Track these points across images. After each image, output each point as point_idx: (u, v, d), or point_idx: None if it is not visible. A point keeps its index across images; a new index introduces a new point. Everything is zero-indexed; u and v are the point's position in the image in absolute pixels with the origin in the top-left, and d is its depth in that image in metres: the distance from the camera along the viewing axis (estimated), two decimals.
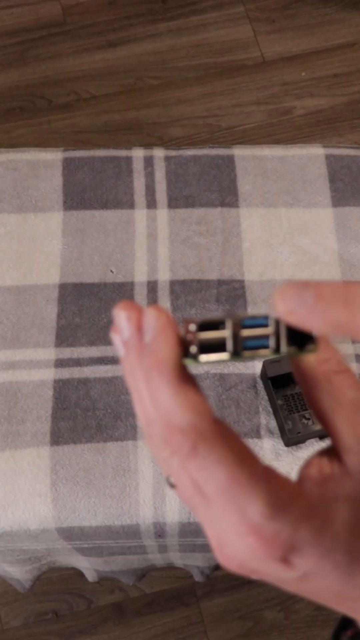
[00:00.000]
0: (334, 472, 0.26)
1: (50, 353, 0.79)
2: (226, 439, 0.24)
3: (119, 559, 0.86)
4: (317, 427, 0.73)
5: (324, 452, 0.27)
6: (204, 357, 0.25)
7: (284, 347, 0.25)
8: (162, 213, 0.88)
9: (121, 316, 0.26)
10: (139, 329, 0.26)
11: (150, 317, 0.25)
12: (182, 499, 0.26)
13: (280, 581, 0.26)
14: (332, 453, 0.27)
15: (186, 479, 0.25)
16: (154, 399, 0.25)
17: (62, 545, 0.78)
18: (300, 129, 1.58)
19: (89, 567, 0.91)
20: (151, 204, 0.88)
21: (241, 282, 0.84)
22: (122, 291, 0.83)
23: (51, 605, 1.22)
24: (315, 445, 0.74)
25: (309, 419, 0.73)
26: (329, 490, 0.25)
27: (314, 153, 0.92)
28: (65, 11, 1.72)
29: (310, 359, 0.27)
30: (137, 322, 0.26)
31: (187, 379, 0.25)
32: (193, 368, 0.27)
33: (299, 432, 0.73)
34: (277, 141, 1.56)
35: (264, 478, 0.24)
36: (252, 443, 0.75)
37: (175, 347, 0.25)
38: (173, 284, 0.84)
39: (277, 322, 0.25)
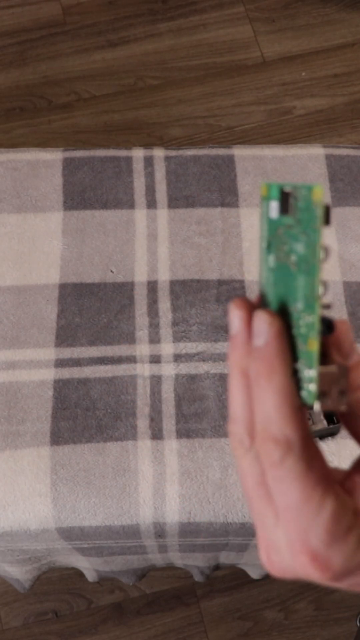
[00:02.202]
0: None
1: (50, 353, 0.79)
2: (312, 459, 0.26)
3: (119, 559, 0.86)
4: (318, 427, 0.73)
5: None
6: (323, 409, 0.27)
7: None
8: (162, 213, 0.88)
9: (233, 313, 0.27)
10: (248, 328, 0.27)
11: (263, 322, 0.26)
12: (243, 488, 0.27)
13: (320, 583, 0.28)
14: None
15: (255, 473, 0.27)
16: (256, 403, 0.26)
17: (62, 545, 0.78)
18: (300, 129, 1.58)
19: (89, 567, 0.91)
20: (151, 204, 0.88)
21: (241, 282, 0.84)
22: (122, 291, 0.83)
23: (51, 605, 1.22)
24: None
25: (309, 419, 0.73)
26: None
27: (314, 153, 0.92)
28: (65, 11, 1.72)
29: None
30: (247, 321, 0.27)
31: (291, 391, 0.26)
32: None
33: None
34: (277, 141, 1.56)
35: (333, 502, 0.26)
36: None
37: (287, 357, 0.26)
38: (173, 284, 0.84)
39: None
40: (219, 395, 0.78)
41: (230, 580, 1.22)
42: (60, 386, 0.78)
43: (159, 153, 0.92)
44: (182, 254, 0.85)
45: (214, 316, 0.82)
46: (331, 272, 0.85)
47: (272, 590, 1.22)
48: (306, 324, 0.26)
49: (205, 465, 0.74)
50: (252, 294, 0.83)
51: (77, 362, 0.79)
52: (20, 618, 1.21)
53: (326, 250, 0.25)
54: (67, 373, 0.78)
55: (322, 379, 0.26)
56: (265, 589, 1.22)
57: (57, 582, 1.23)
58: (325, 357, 0.27)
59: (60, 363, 0.79)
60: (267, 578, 1.21)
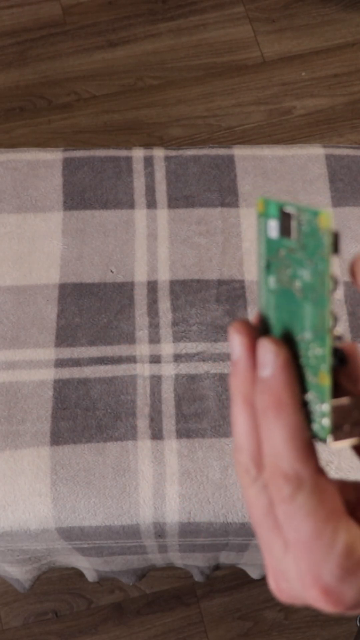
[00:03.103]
0: None
1: (50, 353, 0.79)
2: (323, 493, 0.25)
3: (119, 559, 0.86)
4: None
5: None
6: (336, 444, 0.26)
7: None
8: (162, 213, 0.88)
9: (234, 338, 0.26)
10: (250, 354, 0.26)
11: (268, 352, 0.25)
12: (250, 515, 0.27)
13: None
14: None
15: (264, 503, 0.26)
16: (265, 436, 0.26)
17: (62, 545, 0.78)
18: (300, 129, 1.58)
19: (89, 567, 0.91)
20: (151, 204, 0.88)
21: (241, 282, 0.84)
22: (122, 291, 0.83)
23: (51, 605, 1.22)
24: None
25: None
26: None
27: (314, 153, 0.92)
28: (65, 11, 1.72)
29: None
30: (248, 347, 0.26)
31: (301, 425, 0.25)
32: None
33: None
34: (277, 141, 1.56)
35: (345, 536, 0.25)
36: None
37: (295, 389, 0.25)
38: (173, 284, 0.84)
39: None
40: (219, 395, 0.78)
41: (230, 580, 1.22)
42: (60, 386, 0.78)
43: (159, 153, 0.92)
44: (182, 254, 0.85)
45: (214, 316, 0.82)
46: None
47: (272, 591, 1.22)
48: (316, 356, 0.25)
49: (205, 465, 0.74)
50: (252, 294, 0.83)
51: (77, 362, 0.79)
52: (20, 618, 1.21)
53: (336, 280, 0.24)
54: (67, 373, 0.78)
55: (336, 413, 0.25)
56: (265, 589, 1.22)
57: (57, 582, 1.23)
58: (335, 386, 0.26)
59: (60, 363, 0.79)
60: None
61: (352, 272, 0.25)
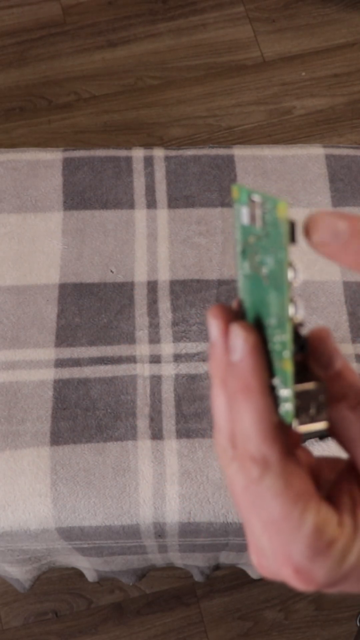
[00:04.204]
0: None
1: (50, 353, 0.79)
2: (291, 475, 0.26)
3: (119, 559, 0.86)
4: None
5: (354, 479, 0.28)
6: (302, 428, 0.26)
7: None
8: (162, 213, 0.88)
9: (210, 322, 0.26)
10: (225, 338, 0.26)
11: (238, 337, 0.26)
12: (231, 493, 0.28)
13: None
14: None
15: (241, 483, 0.26)
16: (235, 418, 0.26)
17: (62, 545, 0.78)
18: (300, 129, 1.58)
19: (89, 567, 0.91)
20: (151, 204, 0.88)
21: None
22: (122, 291, 0.83)
23: (51, 605, 1.22)
24: (315, 445, 0.74)
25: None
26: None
27: (314, 153, 0.92)
28: (65, 11, 1.72)
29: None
30: (224, 331, 0.26)
31: (267, 408, 0.26)
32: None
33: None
34: (277, 141, 1.56)
35: (313, 517, 0.25)
36: None
37: (263, 374, 0.26)
38: (173, 284, 0.84)
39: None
40: None
41: (230, 580, 1.22)
42: (60, 386, 0.78)
43: (159, 153, 0.92)
44: (182, 254, 0.85)
45: None
46: (331, 272, 0.85)
47: (272, 590, 1.22)
48: (279, 342, 0.25)
49: (205, 465, 0.74)
50: None
51: (77, 362, 0.79)
52: (20, 618, 1.21)
53: (295, 268, 0.24)
54: (67, 373, 0.78)
55: (299, 398, 0.25)
56: (265, 589, 1.22)
57: (57, 582, 1.23)
58: (304, 371, 0.26)
59: (60, 363, 0.79)
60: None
61: (306, 232, 0.25)
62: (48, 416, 0.76)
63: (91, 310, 0.82)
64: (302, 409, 0.25)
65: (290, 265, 0.24)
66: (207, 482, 0.73)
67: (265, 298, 0.26)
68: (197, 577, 0.99)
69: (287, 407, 0.25)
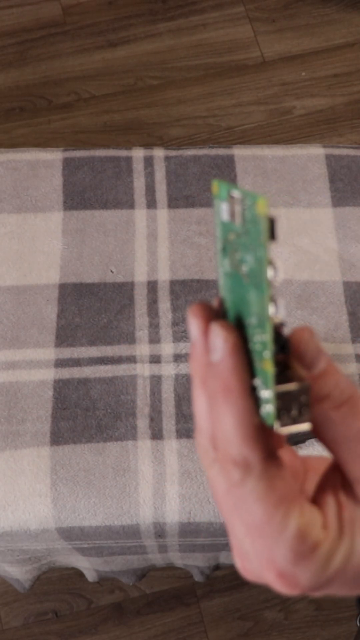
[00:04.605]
0: (348, 502, 0.27)
1: (50, 353, 0.79)
2: (273, 478, 0.25)
3: (119, 559, 0.86)
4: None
5: (339, 480, 0.27)
6: (284, 429, 0.25)
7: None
8: (162, 213, 0.88)
9: (190, 321, 0.26)
10: (205, 338, 0.26)
11: (217, 337, 0.25)
12: (213, 495, 0.27)
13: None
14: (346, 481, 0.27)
15: (223, 485, 0.26)
16: (215, 419, 0.25)
17: (62, 545, 0.78)
18: (300, 129, 1.58)
19: (89, 567, 0.91)
20: (151, 204, 0.88)
21: None
22: (122, 291, 0.83)
23: (51, 605, 1.22)
24: (315, 445, 0.74)
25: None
26: (345, 524, 0.26)
27: (314, 153, 0.92)
28: (65, 11, 1.72)
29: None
30: (204, 331, 0.26)
31: (248, 410, 0.25)
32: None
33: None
34: (277, 141, 1.56)
35: (297, 521, 0.25)
36: None
37: (243, 374, 0.25)
38: (173, 284, 0.84)
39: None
40: None
41: (230, 580, 1.22)
42: (60, 386, 0.78)
43: (159, 153, 0.92)
44: (182, 254, 0.85)
45: None
46: (331, 272, 0.85)
47: (272, 590, 1.22)
48: (260, 342, 0.24)
49: None
50: None
51: (77, 362, 0.79)
52: (20, 618, 1.21)
53: (275, 266, 0.23)
54: (67, 373, 0.78)
55: (280, 399, 0.24)
56: (265, 589, 1.22)
57: (57, 582, 1.23)
58: (287, 370, 0.25)
59: (60, 363, 0.79)
60: None
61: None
62: (48, 416, 0.76)
63: (91, 310, 0.82)
64: (284, 410, 0.25)
65: (271, 263, 0.23)
66: (207, 482, 0.73)
67: (245, 297, 0.25)
68: (197, 577, 0.99)
69: (268, 409, 0.25)
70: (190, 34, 1.69)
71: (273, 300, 0.24)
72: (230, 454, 0.25)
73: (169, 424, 0.76)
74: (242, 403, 0.25)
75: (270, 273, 0.23)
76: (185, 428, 0.76)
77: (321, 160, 0.91)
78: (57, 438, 0.75)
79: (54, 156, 0.91)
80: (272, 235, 0.23)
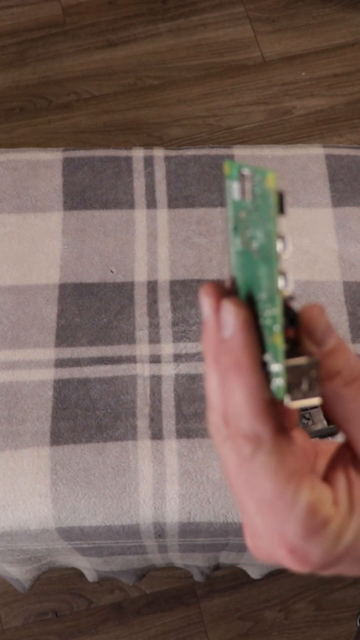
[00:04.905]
0: (359, 480, 0.27)
1: (50, 353, 0.79)
2: (284, 453, 0.25)
3: (119, 559, 0.86)
4: (318, 426, 0.73)
5: (350, 459, 0.28)
6: (295, 404, 0.25)
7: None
8: (162, 213, 0.88)
9: (203, 299, 0.26)
10: (216, 315, 0.26)
11: (228, 313, 0.25)
12: (225, 473, 0.27)
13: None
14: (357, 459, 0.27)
15: (234, 461, 0.26)
16: (227, 395, 0.26)
17: (62, 545, 0.78)
18: (300, 129, 1.58)
19: (89, 567, 0.91)
20: (151, 204, 0.88)
21: None
22: (122, 291, 0.83)
23: (51, 605, 1.22)
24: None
25: (308, 419, 0.73)
26: (356, 501, 0.26)
27: (314, 153, 0.92)
28: (65, 11, 1.72)
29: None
30: (215, 308, 0.26)
31: (259, 385, 0.25)
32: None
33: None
34: (277, 141, 1.56)
35: (307, 496, 0.25)
36: None
37: (254, 350, 0.25)
38: (173, 284, 0.84)
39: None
40: None
41: (230, 580, 1.22)
42: (60, 386, 0.78)
43: (159, 153, 0.92)
44: (182, 254, 0.85)
45: None
46: (331, 272, 0.85)
47: (272, 590, 1.22)
48: (270, 316, 0.25)
49: (205, 465, 0.74)
50: None
51: (77, 362, 0.79)
52: (20, 618, 1.21)
53: (284, 240, 0.24)
54: (67, 373, 0.78)
55: (290, 373, 0.25)
56: (265, 589, 1.22)
57: (57, 582, 1.23)
58: (297, 346, 0.26)
59: (60, 363, 0.79)
60: (267, 578, 1.21)
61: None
62: (48, 416, 0.76)
63: (91, 310, 0.82)
64: (294, 385, 0.25)
65: (280, 236, 0.24)
66: (207, 482, 0.73)
67: (256, 273, 0.25)
68: (197, 577, 0.99)
69: (278, 383, 0.25)
70: (190, 34, 1.69)
71: (282, 273, 0.24)
72: (241, 429, 0.25)
73: (169, 424, 0.76)
74: (252, 378, 0.25)
75: (279, 246, 0.24)
76: (185, 428, 0.76)
77: (321, 160, 0.91)
78: (57, 438, 0.75)
79: (54, 156, 0.91)
80: (280, 209, 0.24)
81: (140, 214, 0.88)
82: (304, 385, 0.25)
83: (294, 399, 0.25)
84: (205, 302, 0.26)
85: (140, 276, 0.84)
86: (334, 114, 1.60)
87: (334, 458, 0.28)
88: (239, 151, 0.92)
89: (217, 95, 1.62)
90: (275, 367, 0.25)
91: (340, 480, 0.27)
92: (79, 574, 1.22)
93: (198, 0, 1.73)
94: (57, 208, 0.88)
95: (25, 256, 0.85)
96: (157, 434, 0.75)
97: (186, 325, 0.81)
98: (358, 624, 1.18)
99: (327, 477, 0.27)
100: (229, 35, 1.69)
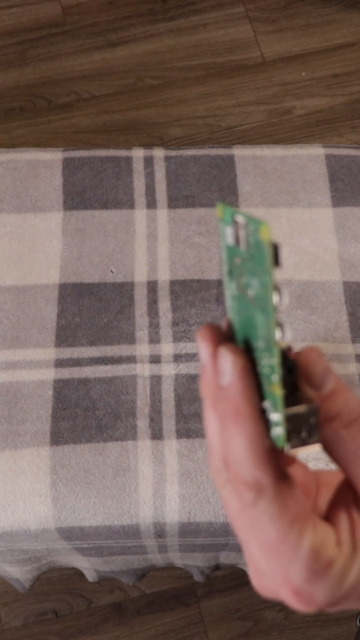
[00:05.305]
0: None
1: (50, 353, 0.79)
2: (286, 498, 0.25)
3: (119, 559, 0.86)
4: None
5: (351, 498, 0.28)
6: (295, 451, 0.25)
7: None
8: (162, 213, 0.88)
9: (200, 344, 0.26)
10: (214, 360, 0.26)
11: (226, 360, 0.25)
12: (227, 514, 0.27)
13: None
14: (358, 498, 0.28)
15: (236, 505, 0.26)
16: (227, 441, 0.26)
17: (62, 545, 0.78)
18: (300, 129, 1.58)
19: (89, 567, 0.91)
20: (151, 204, 0.88)
21: None
22: (122, 291, 0.83)
23: (51, 605, 1.22)
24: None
25: None
26: (359, 541, 0.26)
27: (314, 153, 0.92)
28: (65, 11, 1.72)
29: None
30: (212, 354, 0.26)
31: (258, 432, 0.25)
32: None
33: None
34: (277, 141, 1.56)
35: (310, 539, 0.25)
36: None
37: (253, 398, 0.25)
38: (173, 284, 0.84)
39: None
40: None
41: (230, 580, 1.22)
42: (60, 386, 0.78)
43: (159, 153, 0.92)
44: (182, 254, 0.85)
45: (214, 316, 0.82)
46: (331, 272, 0.85)
47: None
48: (268, 365, 0.25)
49: (205, 465, 0.74)
50: None
51: (77, 362, 0.79)
52: (20, 618, 1.21)
53: (280, 292, 0.24)
54: (67, 373, 0.78)
55: (290, 421, 0.25)
56: None
57: (57, 582, 1.23)
58: (295, 391, 0.26)
59: (60, 363, 0.79)
60: None
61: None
62: (48, 416, 0.76)
63: (91, 310, 0.82)
64: (294, 432, 0.25)
65: (276, 288, 0.24)
66: (207, 482, 0.73)
67: (252, 320, 0.25)
68: (197, 577, 0.99)
69: (277, 432, 0.25)
70: (190, 34, 1.69)
71: (279, 324, 0.24)
72: (242, 476, 0.25)
73: (169, 424, 0.76)
74: (252, 426, 0.25)
75: (275, 298, 0.24)
76: (185, 428, 0.76)
77: (321, 160, 0.91)
78: (57, 438, 0.75)
79: (54, 156, 0.91)
80: (276, 261, 0.23)
81: (140, 214, 0.88)
82: (304, 433, 0.25)
83: (293, 446, 0.25)
84: (202, 347, 0.26)
85: (140, 276, 0.84)
86: (334, 114, 1.60)
87: (336, 497, 0.28)
88: (239, 151, 0.92)
89: (217, 95, 1.62)
90: (275, 417, 0.25)
91: (343, 520, 0.27)
92: (79, 574, 1.22)
93: (198, 0, 1.73)
94: (57, 208, 0.88)
95: (25, 256, 0.85)
96: (157, 434, 0.75)
97: (186, 325, 0.81)
98: (358, 624, 1.18)
99: (329, 516, 0.27)
100: (229, 35, 1.69)
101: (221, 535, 0.76)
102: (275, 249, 0.23)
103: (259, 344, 0.25)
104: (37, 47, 1.68)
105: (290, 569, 0.25)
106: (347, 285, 0.84)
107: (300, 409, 0.25)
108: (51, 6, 1.73)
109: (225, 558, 0.89)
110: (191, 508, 0.73)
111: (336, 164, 0.91)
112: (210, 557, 0.87)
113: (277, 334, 0.24)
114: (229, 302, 0.27)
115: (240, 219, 0.24)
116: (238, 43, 1.68)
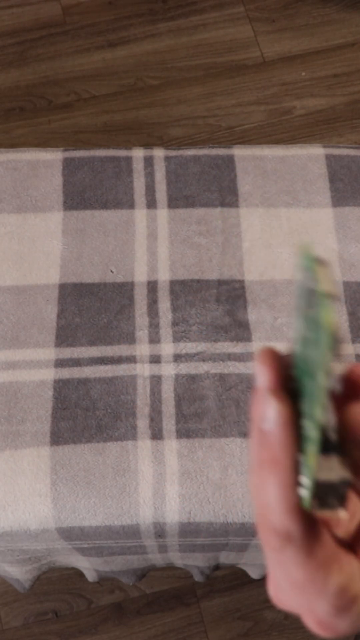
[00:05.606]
0: None
1: (50, 353, 0.79)
2: (314, 545, 0.25)
3: (119, 559, 0.86)
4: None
5: None
6: (318, 513, 0.25)
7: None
8: (162, 213, 0.88)
9: (259, 368, 0.26)
10: (269, 389, 0.25)
11: (271, 408, 0.25)
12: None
13: None
14: None
15: (265, 544, 0.26)
16: (261, 485, 0.25)
17: (62, 545, 0.78)
18: (300, 129, 1.58)
19: (89, 567, 0.91)
20: (151, 204, 0.88)
21: (241, 282, 0.84)
22: (122, 291, 0.83)
23: (51, 605, 1.22)
24: None
25: None
26: None
27: (314, 153, 0.92)
28: (65, 11, 1.72)
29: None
30: (272, 381, 0.26)
31: (292, 484, 0.25)
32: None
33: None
34: (277, 141, 1.56)
35: (337, 579, 0.25)
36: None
37: (291, 449, 0.25)
38: (173, 284, 0.84)
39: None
40: (219, 395, 0.78)
41: (230, 580, 1.22)
42: (60, 386, 0.78)
43: (159, 153, 0.92)
44: (182, 254, 0.85)
45: (214, 316, 0.82)
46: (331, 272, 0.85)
47: None
48: (310, 432, 0.24)
49: (205, 465, 0.74)
50: (252, 294, 0.83)
51: (77, 362, 0.79)
52: (20, 618, 1.21)
53: (332, 378, 0.23)
54: (67, 373, 0.78)
55: (319, 488, 0.25)
56: (265, 589, 1.22)
57: (57, 582, 1.23)
58: (341, 445, 0.25)
59: (60, 363, 0.79)
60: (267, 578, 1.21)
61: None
62: (48, 416, 0.76)
63: (91, 310, 0.82)
64: (321, 497, 0.25)
65: (329, 373, 0.23)
66: (207, 482, 0.73)
67: (308, 378, 0.25)
68: (197, 577, 0.99)
69: (304, 494, 0.25)
70: (190, 34, 1.69)
71: (324, 407, 0.24)
72: (271, 522, 0.25)
73: (169, 424, 0.76)
74: (287, 476, 0.25)
75: (326, 381, 0.23)
76: (185, 428, 0.76)
77: (321, 160, 0.91)
78: (57, 438, 0.75)
79: (54, 156, 0.91)
80: (334, 350, 0.23)
81: (140, 214, 0.88)
82: (331, 500, 0.25)
83: (320, 508, 0.25)
84: (261, 371, 0.26)
85: (140, 276, 0.84)
86: (334, 114, 1.60)
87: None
88: (239, 151, 0.92)
89: (217, 95, 1.62)
90: (305, 480, 0.25)
91: None
92: (79, 574, 1.22)
93: (198, 0, 1.73)
94: (57, 208, 0.88)
95: (25, 256, 0.85)
96: (157, 434, 0.75)
97: (186, 325, 0.81)
98: None
99: (354, 546, 0.27)
100: (229, 35, 1.69)
101: (221, 535, 0.76)
102: (337, 340, 0.23)
103: (306, 404, 0.25)
104: (37, 47, 1.68)
105: (316, 605, 0.26)
106: (347, 285, 0.84)
107: (332, 476, 0.24)
108: (51, 6, 1.73)
109: (225, 558, 0.89)
110: (191, 508, 0.73)
111: (336, 164, 0.91)
112: (210, 557, 0.87)
113: (319, 412, 0.24)
114: (296, 336, 0.26)
115: (312, 284, 0.24)
116: (238, 43, 1.68)
